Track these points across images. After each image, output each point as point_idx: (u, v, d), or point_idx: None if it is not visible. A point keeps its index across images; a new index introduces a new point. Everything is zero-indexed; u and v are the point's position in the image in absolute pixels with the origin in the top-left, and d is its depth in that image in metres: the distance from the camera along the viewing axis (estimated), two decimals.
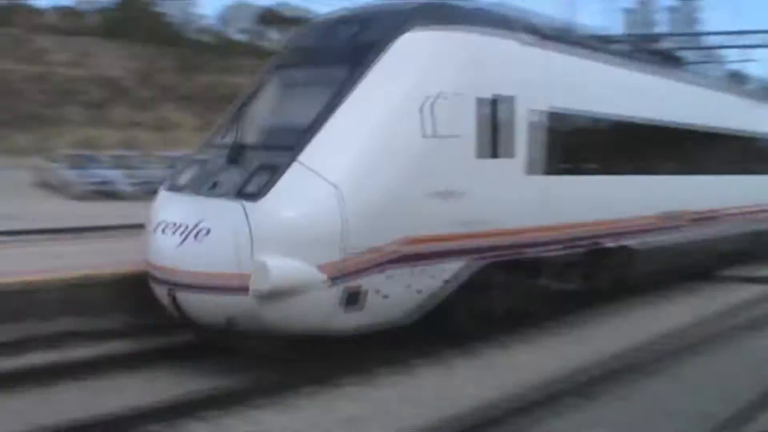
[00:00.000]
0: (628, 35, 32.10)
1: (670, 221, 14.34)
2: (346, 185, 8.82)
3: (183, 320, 9.39)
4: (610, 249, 12.71)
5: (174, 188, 10.04)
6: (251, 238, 8.54)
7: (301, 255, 8.51)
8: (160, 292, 9.48)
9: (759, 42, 27.51)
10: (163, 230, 9.34)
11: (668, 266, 14.84)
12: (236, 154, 9.52)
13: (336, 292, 8.77)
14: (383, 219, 9.04)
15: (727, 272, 16.86)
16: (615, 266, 12.94)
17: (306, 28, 12.00)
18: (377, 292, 9.09)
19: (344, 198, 8.75)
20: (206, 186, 9.50)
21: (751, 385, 8.91)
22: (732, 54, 43.53)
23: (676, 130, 15.21)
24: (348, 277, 8.79)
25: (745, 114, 19.09)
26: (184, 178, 10.04)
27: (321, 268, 8.57)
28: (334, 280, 8.69)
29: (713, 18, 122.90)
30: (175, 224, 9.19)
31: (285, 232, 8.61)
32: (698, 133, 16.17)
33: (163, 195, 10.12)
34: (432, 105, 9.65)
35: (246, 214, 8.64)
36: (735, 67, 35.60)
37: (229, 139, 9.98)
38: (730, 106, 18.52)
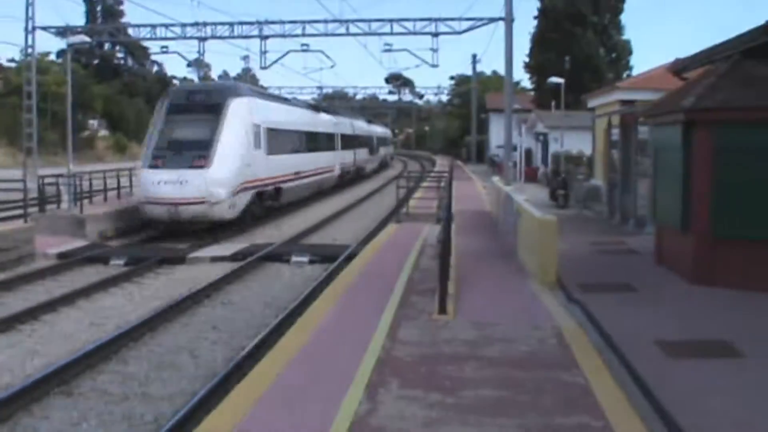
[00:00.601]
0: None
1: (296, 175, 29.86)
2: (231, 163, 22.41)
3: (176, 220, 21.77)
4: (280, 188, 27.83)
5: (151, 167, 22.19)
6: (206, 183, 21.49)
7: (222, 188, 21.78)
8: (161, 210, 21.70)
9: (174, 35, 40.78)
10: (165, 183, 21.51)
11: (295, 197, 30.54)
12: (179, 152, 22.21)
13: (229, 203, 22.16)
14: (240, 175, 22.85)
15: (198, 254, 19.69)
16: (281, 195, 28.08)
17: (178, 91, 25.70)
18: (236, 203, 22.66)
19: (231, 168, 22.38)
20: (172, 165, 21.85)
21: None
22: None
23: (307, 133, 33.46)
24: (232, 197, 22.28)
25: (327, 123, 39.36)
26: (154, 163, 22.24)
27: (227, 193, 21.94)
28: (229, 198, 22.08)
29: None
30: (168, 180, 21.50)
31: (217, 180, 21.74)
32: (311, 133, 34.50)
33: (147, 170, 22.21)
34: (247, 129, 23.89)
35: (203, 175, 21.61)
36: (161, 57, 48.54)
37: (167, 145, 22.61)
38: (323, 119, 38.86)
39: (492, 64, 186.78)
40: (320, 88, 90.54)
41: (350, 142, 45.54)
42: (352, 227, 25.78)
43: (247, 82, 63.91)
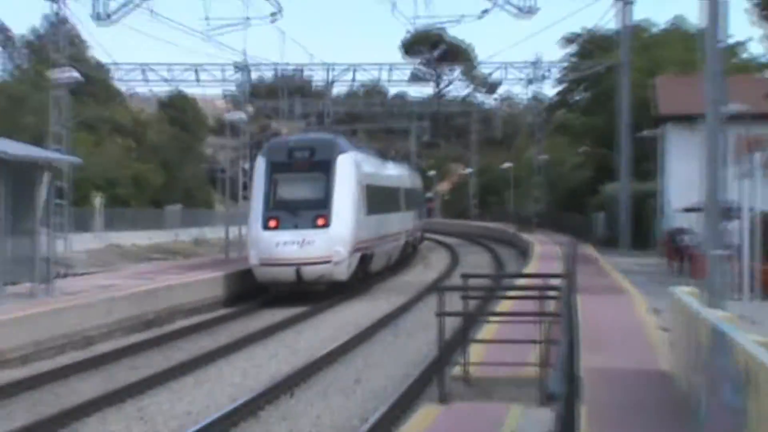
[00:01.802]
0: None
1: (381, 240, 41.27)
2: (347, 221, 38.21)
3: (299, 282, 34.38)
4: (372, 253, 42.07)
5: (268, 229, 35.21)
6: (331, 242, 36.07)
7: (343, 248, 36.67)
8: (286, 270, 34.15)
9: None
10: (284, 244, 34.73)
11: (378, 267, 41.59)
12: (294, 212, 36.04)
13: (347, 263, 37.25)
14: (354, 234, 37.89)
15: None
16: (372, 261, 42.26)
17: (277, 148, 39.26)
18: (351, 263, 37.53)
19: (348, 226, 37.89)
20: (291, 226, 35.29)
21: None
22: None
23: (386, 188, 45.55)
24: (349, 257, 37.61)
25: (393, 174, 50.41)
26: (270, 224, 35.17)
27: (348, 253, 37.43)
28: (348, 257, 37.52)
29: None
30: (289, 241, 35.16)
31: (340, 239, 36.54)
32: (388, 189, 47.24)
33: (263, 232, 35.27)
34: (354, 187, 38.92)
35: (328, 233, 36.36)
36: None
37: (279, 205, 36.22)
38: (390, 170, 50.69)
39: (665, 5, 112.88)
40: (242, 68, 57.44)
41: (408, 199, 55.08)
42: (330, 411, 19.38)
43: (58, 47, 48.86)
